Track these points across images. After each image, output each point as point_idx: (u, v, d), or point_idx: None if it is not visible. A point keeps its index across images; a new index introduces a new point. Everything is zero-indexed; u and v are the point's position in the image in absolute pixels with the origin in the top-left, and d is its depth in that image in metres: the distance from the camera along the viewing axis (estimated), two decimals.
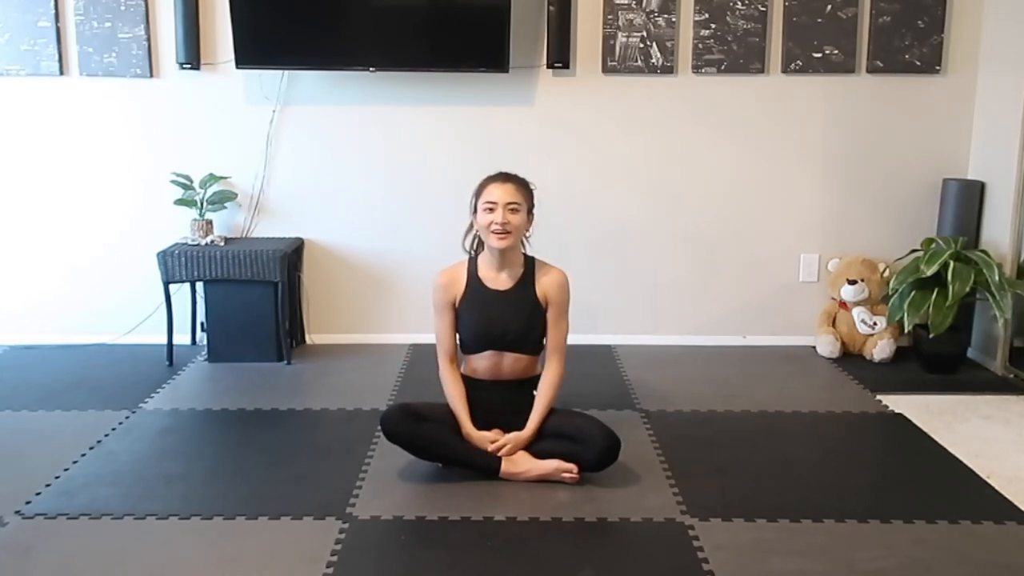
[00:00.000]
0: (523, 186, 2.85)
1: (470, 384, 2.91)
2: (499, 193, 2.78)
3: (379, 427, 2.80)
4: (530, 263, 2.91)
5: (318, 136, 4.15)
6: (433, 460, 2.83)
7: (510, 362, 2.87)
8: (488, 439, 2.81)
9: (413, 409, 2.80)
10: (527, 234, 2.91)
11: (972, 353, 4.10)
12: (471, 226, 2.92)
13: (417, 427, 2.75)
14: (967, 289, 3.65)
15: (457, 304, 2.88)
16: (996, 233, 3.95)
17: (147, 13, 4.00)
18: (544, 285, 2.86)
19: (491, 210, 2.78)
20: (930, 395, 3.61)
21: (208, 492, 2.73)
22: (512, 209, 2.78)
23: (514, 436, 2.80)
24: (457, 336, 2.91)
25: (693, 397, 3.57)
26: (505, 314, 2.83)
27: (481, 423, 2.88)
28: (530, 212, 2.86)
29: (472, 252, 2.96)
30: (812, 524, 2.52)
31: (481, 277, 2.88)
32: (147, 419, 3.32)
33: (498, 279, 2.88)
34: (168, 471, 2.86)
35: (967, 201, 4.04)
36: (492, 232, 2.78)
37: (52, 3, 3.98)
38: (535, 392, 2.92)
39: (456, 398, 2.85)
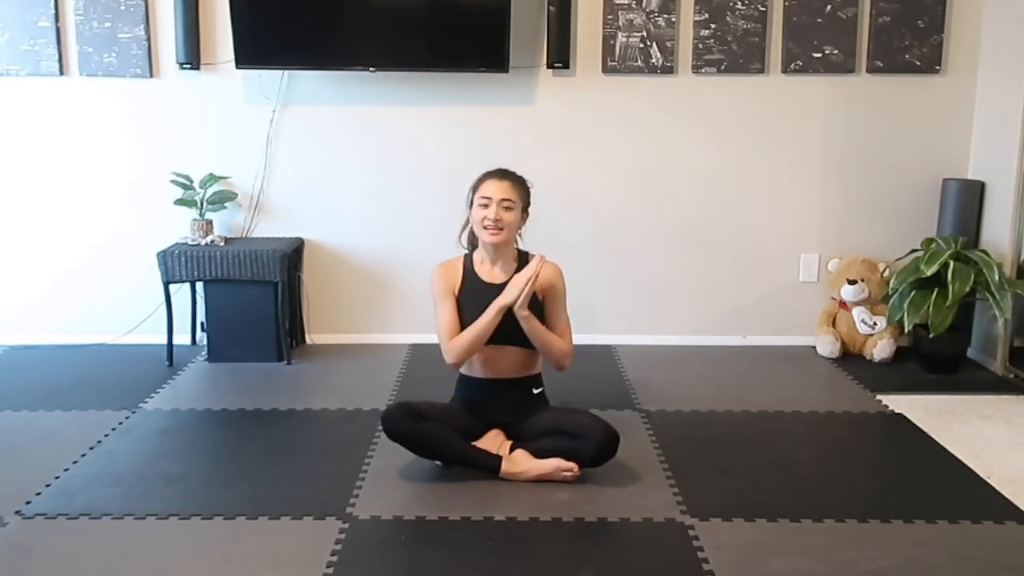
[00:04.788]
0: (519, 184, 2.86)
1: (469, 383, 2.92)
2: (494, 189, 2.79)
3: (379, 426, 2.80)
4: (523, 258, 2.91)
5: (318, 136, 4.15)
6: (433, 458, 2.83)
7: (508, 357, 2.85)
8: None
9: (414, 407, 2.79)
10: (520, 232, 2.92)
11: (972, 353, 4.10)
12: (467, 221, 2.92)
13: (417, 425, 2.75)
14: (967, 289, 3.65)
15: (456, 294, 2.88)
16: (996, 233, 3.95)
17: (147, 13, 4.00)
18: (539, 278, 2.80)
19: (485, 205, 2.79)
20: (930, 395, 3.61)
21: (208, 492, 2.73)
22: (506, 206, 2.79)
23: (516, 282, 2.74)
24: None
25: (693, 397, 3.57)
26: None
27: (481, 423, 2.89)
28: (525, 210, 2.87)
29: (468, 247, 2.97)
30: (812, 524, 2.52)
31: (476, 271, 2.89)
32: (147, 419, 3.32)
33: (492, 273, 2.88)
34: (168, 471, 2.86)
35: (967, 201, 4.04)
36: (485, 227, 2.79)
37: (52, 3, 3.98)
38: (536, 391, 2.93)
39: (471, 327, 2.78)
